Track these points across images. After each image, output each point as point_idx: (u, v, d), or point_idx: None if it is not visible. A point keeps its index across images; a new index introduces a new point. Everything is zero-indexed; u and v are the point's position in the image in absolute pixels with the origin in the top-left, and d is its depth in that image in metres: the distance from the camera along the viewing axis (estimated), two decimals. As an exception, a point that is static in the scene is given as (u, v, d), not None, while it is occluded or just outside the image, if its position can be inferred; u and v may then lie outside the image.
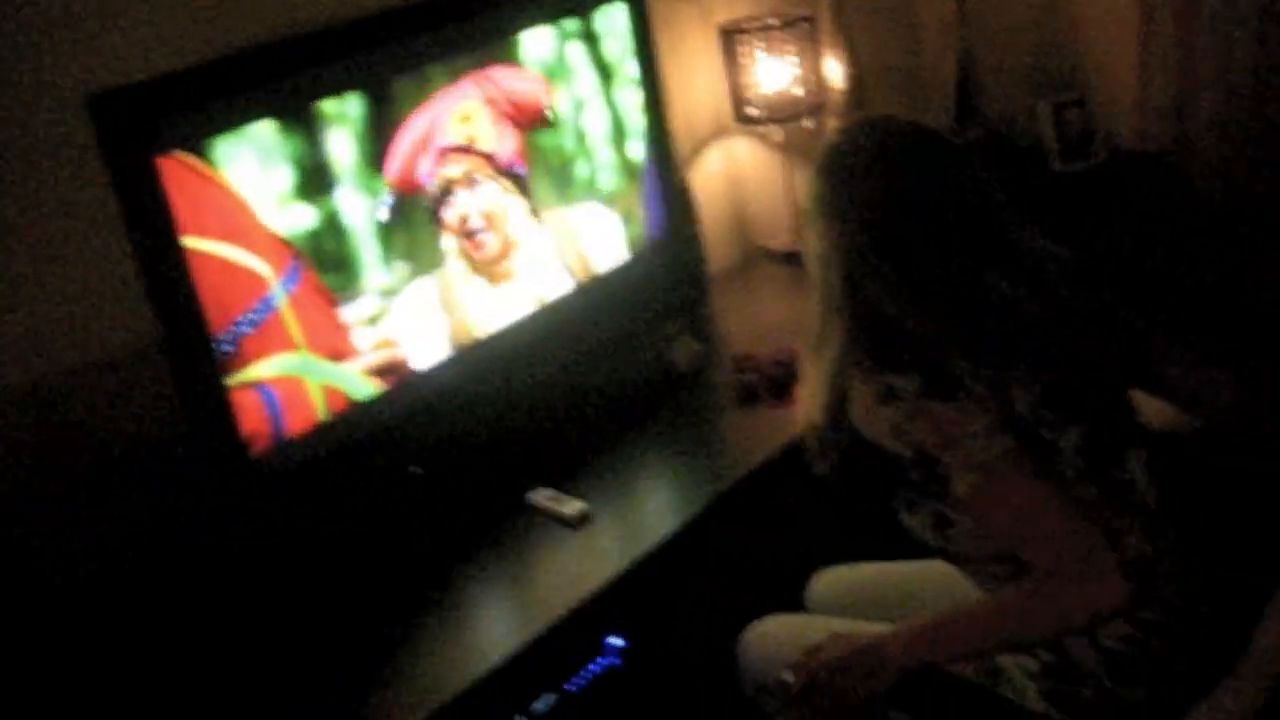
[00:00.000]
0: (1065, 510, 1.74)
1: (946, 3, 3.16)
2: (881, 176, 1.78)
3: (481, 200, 2.33)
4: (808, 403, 1.93)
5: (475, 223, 2.33)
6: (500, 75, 2.35)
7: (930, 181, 1.79)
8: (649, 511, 2.24)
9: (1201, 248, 2.89)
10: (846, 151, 1.83)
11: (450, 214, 2.29)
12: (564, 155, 2.49)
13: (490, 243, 2.36)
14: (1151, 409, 1.95)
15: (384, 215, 2.18)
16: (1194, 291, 2.81)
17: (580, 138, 2.51)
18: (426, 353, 2.30)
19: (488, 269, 2.37)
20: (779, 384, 2.47)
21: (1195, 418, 2.02)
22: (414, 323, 2.26)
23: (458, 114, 2.28)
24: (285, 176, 2.05)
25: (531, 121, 2.41)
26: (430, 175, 2.25)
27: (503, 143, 2.36)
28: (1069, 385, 1.77)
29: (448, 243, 2.30)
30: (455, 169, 2.29)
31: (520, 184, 2.40)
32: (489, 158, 2.34)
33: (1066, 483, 1.75)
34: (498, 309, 2.40)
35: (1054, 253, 1.88)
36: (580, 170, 2.53)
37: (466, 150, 2.30)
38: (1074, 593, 1.75)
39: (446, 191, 2.28)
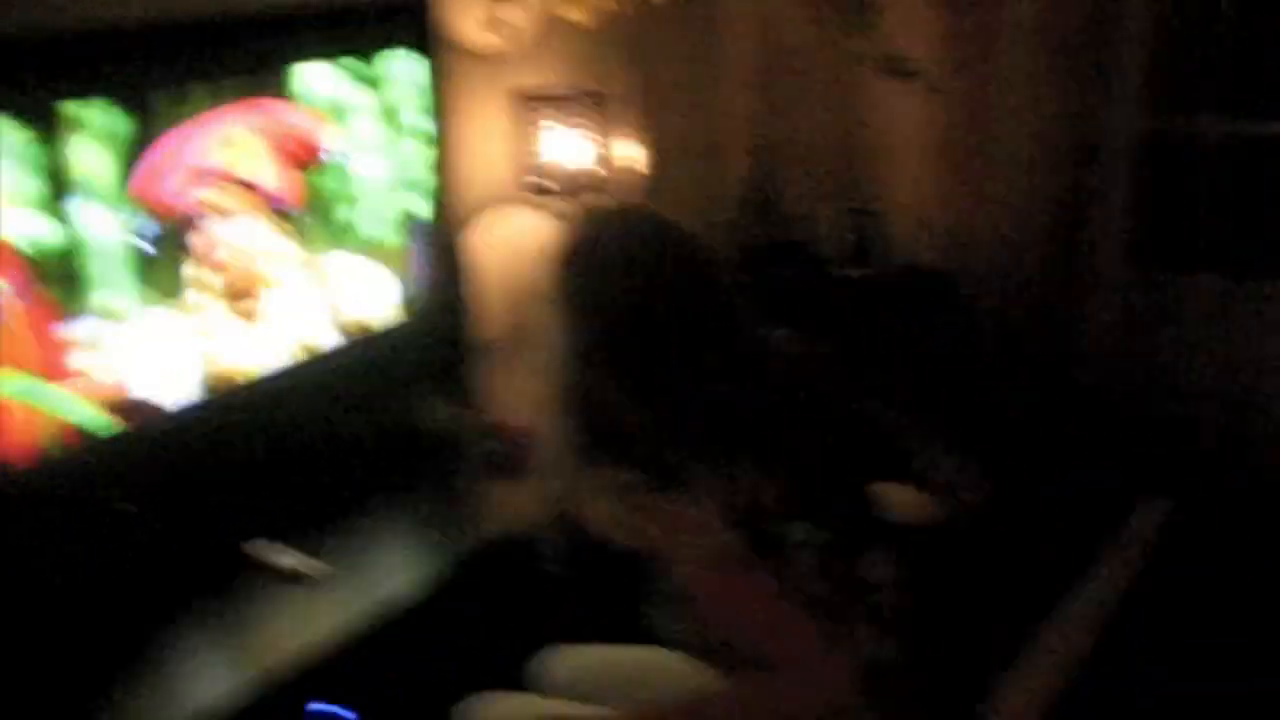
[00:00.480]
0: (788, 607, 1.70)
1: (745, 95, 3.18)
2: (620, 274, 1.77)
3: (232, 232, 2.22)
4: (540, 499, 1.91)
5: (219, 254, 2.21)
6: (276, 108, 2.25)
7: (666, 283, 1.78)
8: (379, 574, 2.14)
9: (961, 352, 2.94)
10: (588, 244, 1.83)
11: (197, 240, 2.17)
12: (337, 199, 2.40)
13: (231, 277, 2.24)
14: (898, 500, 1.95)
15: (126, 235, 2.05)
16: (946, 390, 2.86)
17: (356, 184, 2.43)
18: (161, 386, 2.16)
19: (232, 304, 2.25)
20: (528, 456, 2.41)
21: (941, 508, 2.03)
22: (149, 351, 2.13)
23: (221, 137, 2.18)
24: (18, 178, 1.91)
25: (307, 160, 2.32)
26: (179, 195, 2.13)
27: (270, 176, 2.26)
28: (801, 481, 1.76)
29: (189, 270, 2.18)
30: (209, 194, 2.17)
31: (289, 223, 2.30)
32: (249, 187, 2.23)
33: (795, 578, 1.72)
34: (247, 348, 2.28)
35: (796, 351, 1.88)
36: (352, 217, 2.44)
37: (224, 177, 2.19)
38: (798, 690, 1.70)
39: (196, 216, 2.16)
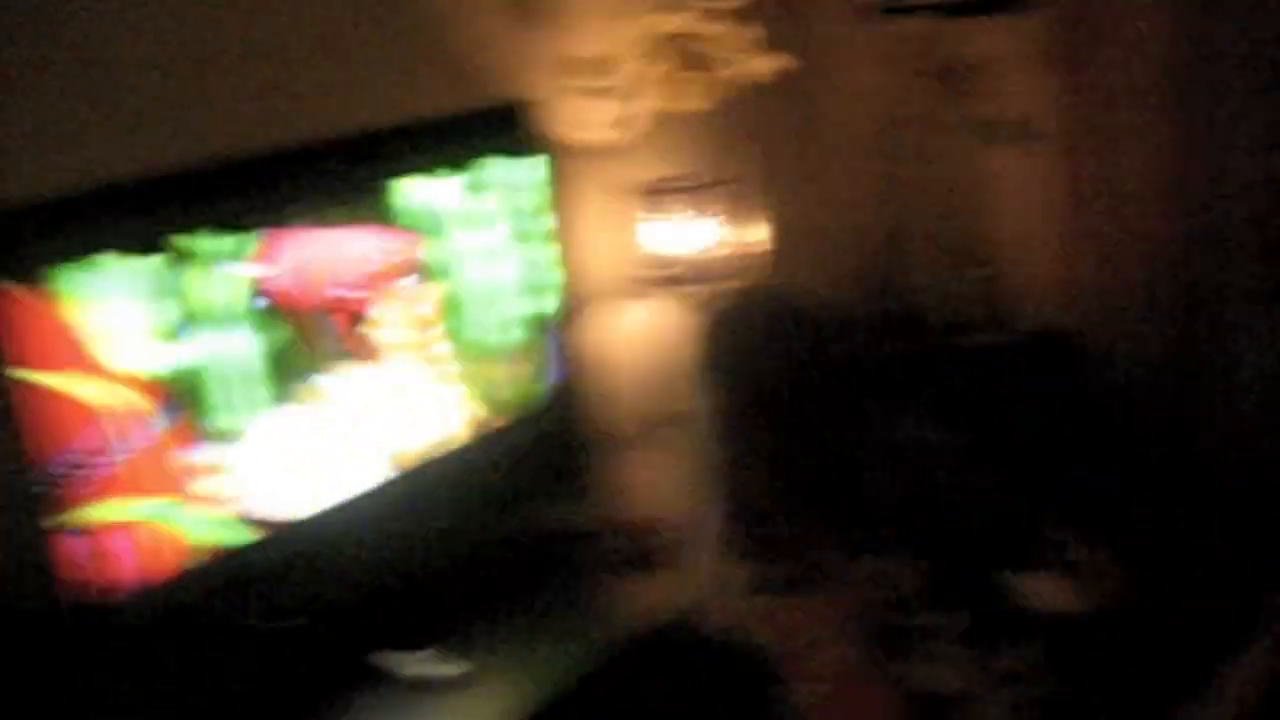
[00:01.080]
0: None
1: (863, 169, 3.15)
2: (761, 352, 1.85)
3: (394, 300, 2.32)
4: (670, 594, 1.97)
5: (388, 319, 2.31)
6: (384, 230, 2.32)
7: (809, 364, 1.79)
8: (526, 677, 2.15)
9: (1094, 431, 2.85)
10: (731, 327, 1.94)
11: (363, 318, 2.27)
12: (458, 308, 2.44)
13: (396, 334, 2.33)
14: (1037, 589, 1.89)
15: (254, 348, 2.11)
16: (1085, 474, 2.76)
17: (475, 290, 2.46)
18: (289, 497, 2.21)
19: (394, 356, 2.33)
20: (661, 552, 2.39)
21: (1081, 596, 1.97)
22: (276, 465, 2.17)
23: (341, 252, 2.25)
24: (146, 312, 1.97)
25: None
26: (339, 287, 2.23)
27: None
28: (940, 570, 1.72)
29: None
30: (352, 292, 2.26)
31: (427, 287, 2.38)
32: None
33: (931, 671, 1.68)
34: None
35: (933, 437, 1.86)
36: (476, 322, 2.48)
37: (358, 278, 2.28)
38: None
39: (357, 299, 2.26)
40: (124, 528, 1.97)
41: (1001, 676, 1.73)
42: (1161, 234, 2.93)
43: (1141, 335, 2.98)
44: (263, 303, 2.12)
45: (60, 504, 1.90)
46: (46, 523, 1.88)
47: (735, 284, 2.96)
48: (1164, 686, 1.86)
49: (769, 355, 1.87)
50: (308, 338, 2.19)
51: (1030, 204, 3.15)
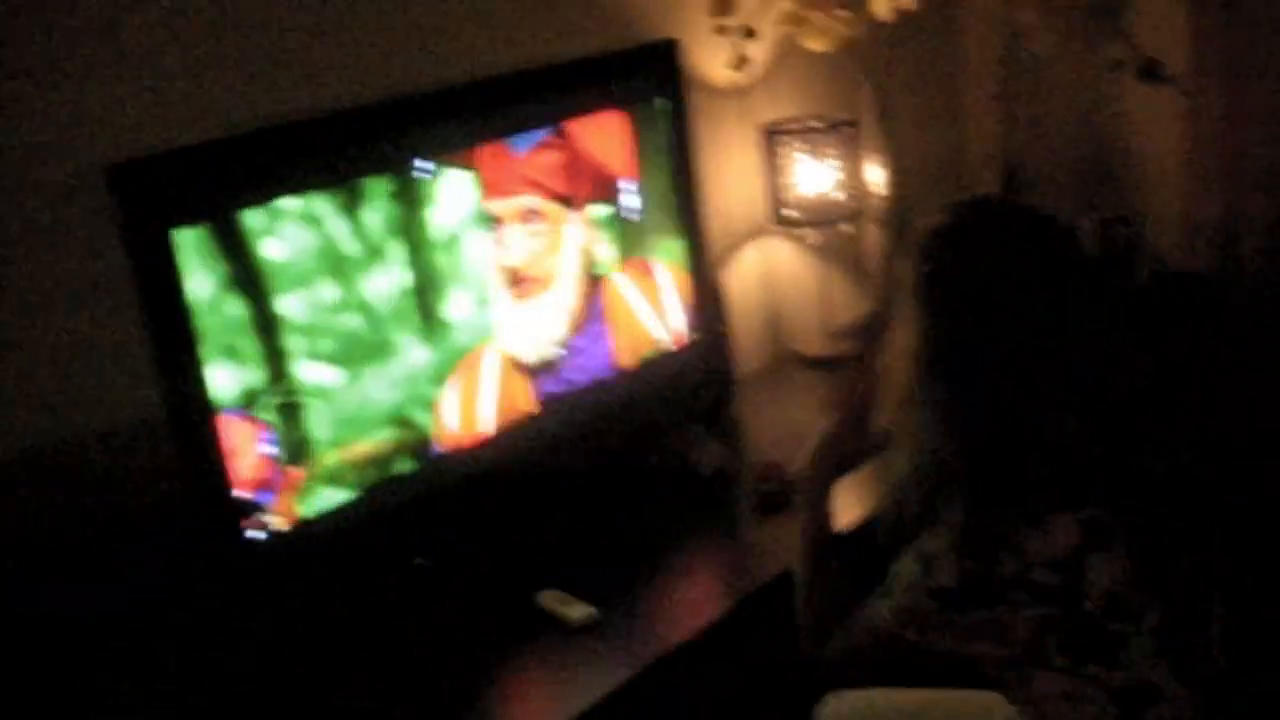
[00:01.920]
0: None
1: (991, 109, 3.12)
2: (995, 265, 1.63)
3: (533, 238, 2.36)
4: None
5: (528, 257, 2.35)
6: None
7: (1045, 277, 1.63)
8: (659, 619, 2.15)
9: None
10: (949, 230, 1.69)
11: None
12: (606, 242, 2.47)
13: (540, 267, 2.37)
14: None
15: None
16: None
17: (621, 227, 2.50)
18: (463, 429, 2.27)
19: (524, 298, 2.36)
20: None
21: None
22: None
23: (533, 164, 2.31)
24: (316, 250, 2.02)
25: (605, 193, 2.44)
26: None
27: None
28: (1147, 554, 1.62)
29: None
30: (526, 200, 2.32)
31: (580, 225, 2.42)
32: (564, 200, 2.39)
33: (1128, 673, 1.62)
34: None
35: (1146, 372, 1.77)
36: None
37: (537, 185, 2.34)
38: None
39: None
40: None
41: (1214, 674, 1.66)
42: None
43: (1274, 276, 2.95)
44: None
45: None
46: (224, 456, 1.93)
47: (852, 227, 2.97)
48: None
49: (1006, 260, 1.62)
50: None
51: (1167, 148, 3.10)
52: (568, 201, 2.37)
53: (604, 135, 2.43)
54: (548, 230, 2.35)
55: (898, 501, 1.73)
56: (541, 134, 2.32)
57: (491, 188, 2.25)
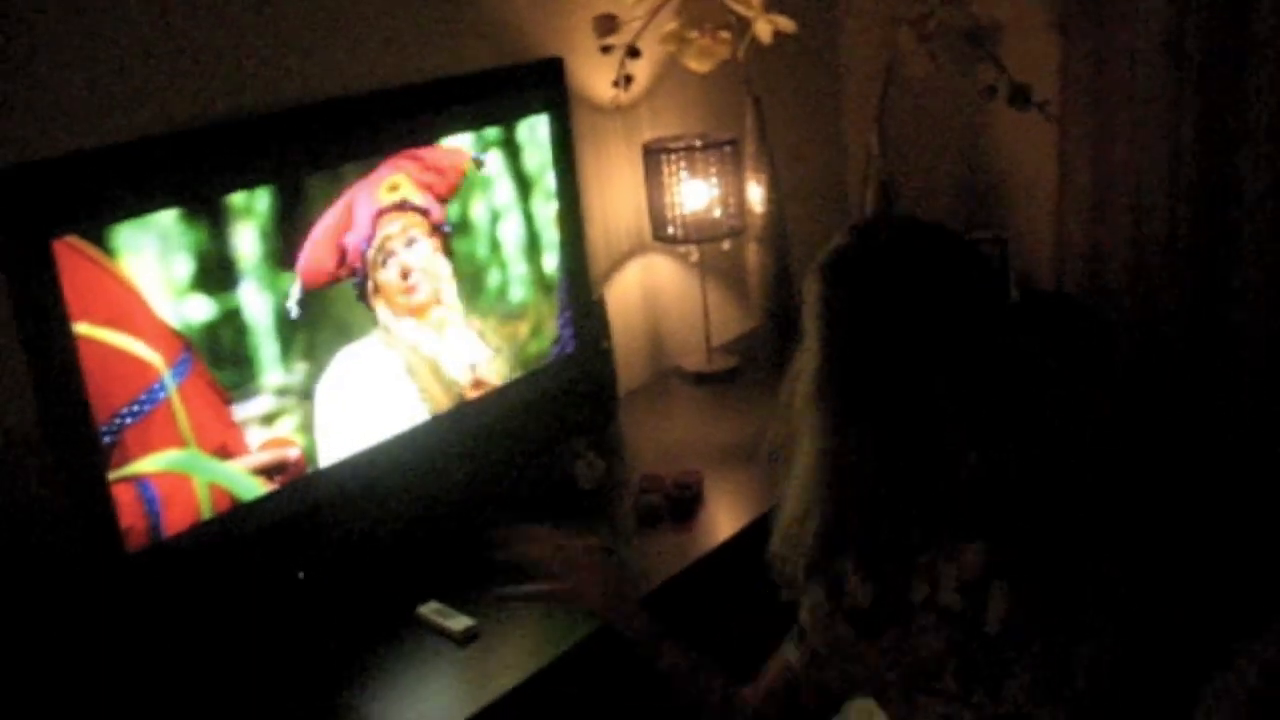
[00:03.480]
0: None
1: (869, 131, 3.19)
2: (909, 285, 1.59)
3: (417, 256, 2.35)
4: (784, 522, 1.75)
5: (414, 277, 2.34)
6: (420, 152, 2.35)
7: (959, 296, 1.59)
8: (539, 630, 2.17)
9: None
10: (853, 250, 1.65)
11: (387, 274, 2.30)
12: (477, 264, 2.46)
13: (423, 288, 2.37)
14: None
15: (294, 311, 2.14)
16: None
17: (495, 247, 2.49)
18: (334, 445, 2.26)
19: (421, 313, 2.37)
20: (682, 506, 2.44)
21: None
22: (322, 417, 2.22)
23: (384, 185, 2.28)
24: (184, 267, 1.99)
25: (452, 190, 2.40)
26: (366, 242, 2.25)
27: (429, 204, 2.36)
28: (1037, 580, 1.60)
29: (383, 311, 2.31)
30: (393, 226, 2.30)
31: (447, 244, 2.41)
32: (424, 213, 2.35)
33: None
34: (450, 351, 2.43)
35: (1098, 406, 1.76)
36: (492, 280, 2.50)
37: (401, 207, 2.31)
38: None
39: (384, 253, 2.29)
40: (173, 477, 2.01)
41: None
42: (1159, 205, 2.97)
43: (1153, 301, 3.04)
44: (304, 260, 2.15)
45: (117, 456, 1.93)
46: (108, 474, 1.92)
47: (731, 244, 3.01)
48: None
49: (921, 279, 1.56)
50: (337, 293, 2.23)
51: (1038, 172, 3.20)
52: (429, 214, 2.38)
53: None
54: (427, 245, 2.37)
55: (789, 545, 1.72)
56: (420, 151, 2.34)
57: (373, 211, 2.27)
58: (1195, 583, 2.16)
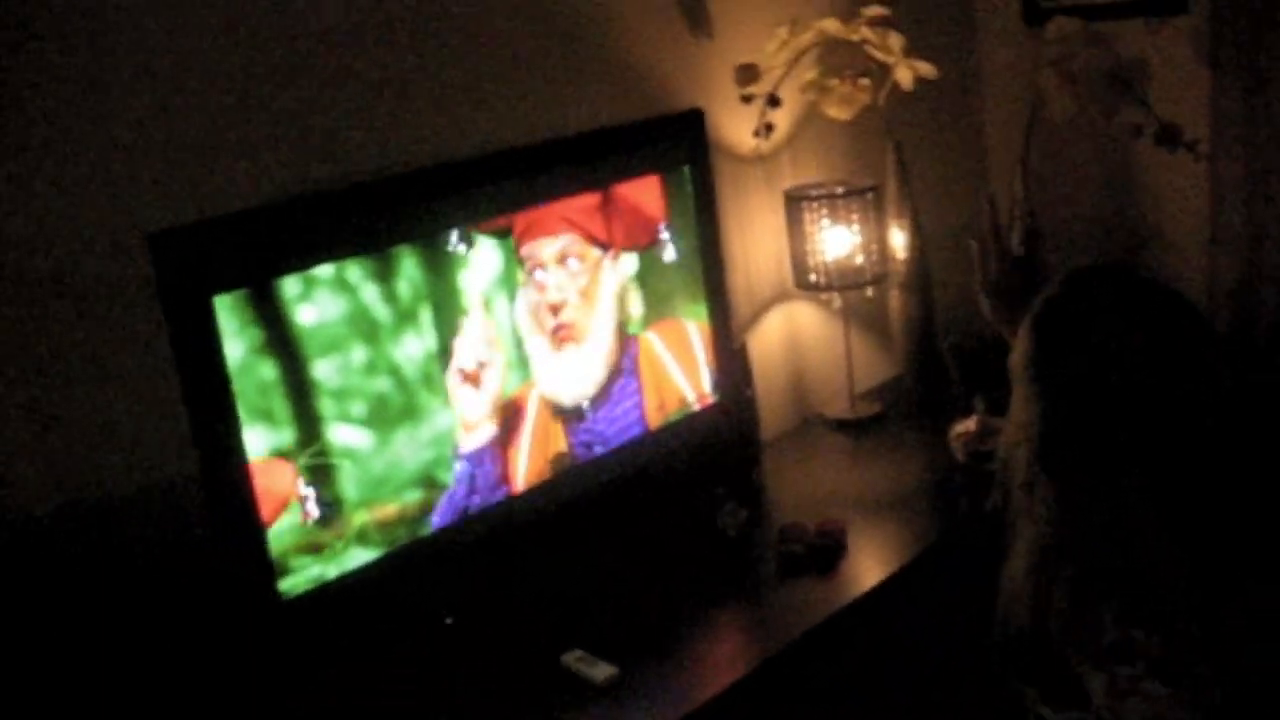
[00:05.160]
0: None
1: (1014, 175, 3.16)
2: (1125, 345, 1.52)
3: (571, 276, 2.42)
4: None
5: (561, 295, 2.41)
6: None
7: (1175, 359, 1.53)
8: (682, 679, 2.17)
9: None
10: (1062, 306, 1.60)
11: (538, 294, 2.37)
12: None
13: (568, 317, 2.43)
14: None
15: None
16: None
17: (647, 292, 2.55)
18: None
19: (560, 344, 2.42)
20: (824, 556, 2.42)
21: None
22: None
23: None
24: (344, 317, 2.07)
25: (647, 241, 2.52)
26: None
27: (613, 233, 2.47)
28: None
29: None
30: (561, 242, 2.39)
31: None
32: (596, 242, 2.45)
33: None
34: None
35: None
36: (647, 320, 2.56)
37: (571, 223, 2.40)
38: None
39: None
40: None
41: None
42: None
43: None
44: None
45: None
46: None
47: (874, 291, 3.01)
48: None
49: (1133, 340, 1.50)
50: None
51: (1186, 212, 3.14)
52: (604, 246, 2.43)
53: (638, 189, 2.50)
54: (585, 272, 2.41)
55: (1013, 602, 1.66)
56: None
57: (530, 230, 2.33)
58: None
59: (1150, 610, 1.52)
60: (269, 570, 2.00)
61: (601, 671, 2.13)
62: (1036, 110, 3.08)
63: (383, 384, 2.12)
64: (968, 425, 2.76)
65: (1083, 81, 2.95)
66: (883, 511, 2.61)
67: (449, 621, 2.27)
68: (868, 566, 2.42)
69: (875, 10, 2.81)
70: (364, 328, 2.09)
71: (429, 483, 2.21)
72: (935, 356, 3.07)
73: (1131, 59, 2.99)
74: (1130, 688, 1.55)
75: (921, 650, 1.91)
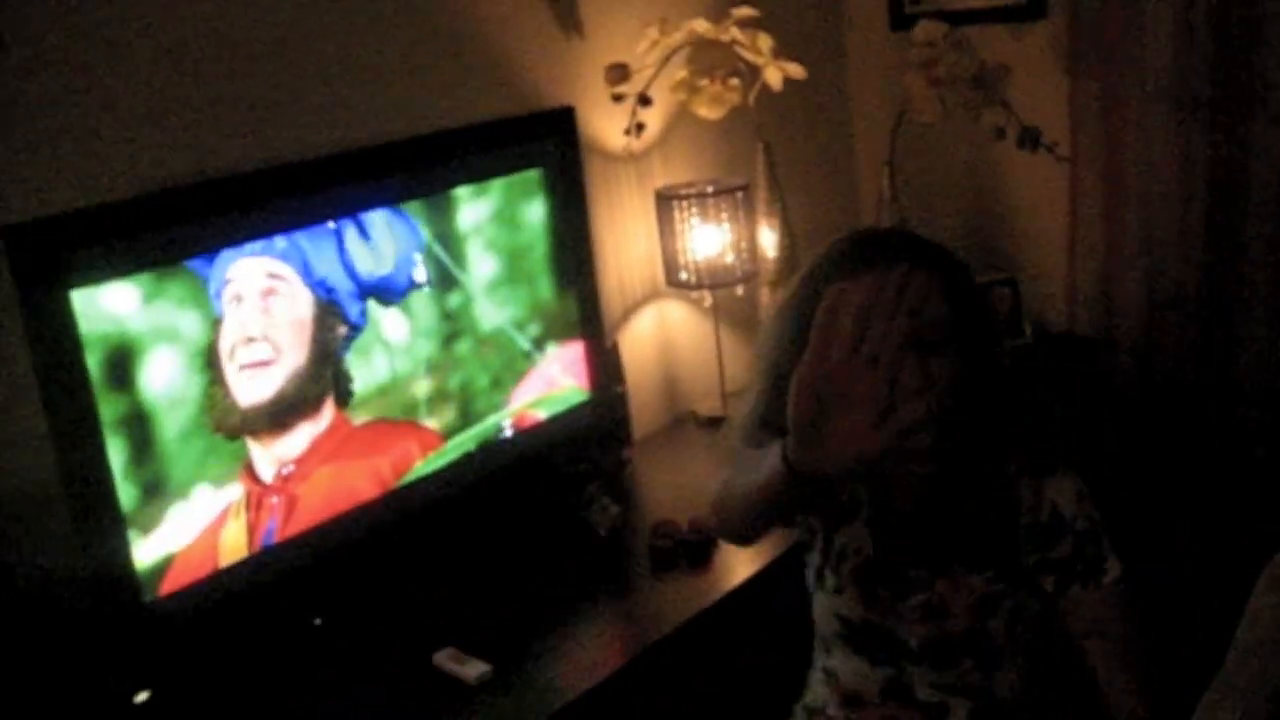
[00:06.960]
0: None
1: (881, 175, 3.21)
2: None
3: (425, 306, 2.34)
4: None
5: None
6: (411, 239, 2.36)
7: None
8: (555, 674, 2.17)
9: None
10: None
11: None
12: (483, 310, 2.49)
13: None
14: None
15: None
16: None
17: (507, 292, 2.52)
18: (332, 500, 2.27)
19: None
20: (696, 551, 2.44)
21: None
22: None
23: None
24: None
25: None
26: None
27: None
28: None
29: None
30: None
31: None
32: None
33: None
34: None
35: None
36: (506, 323, 2.52)
37: None
38: None
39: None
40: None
41: None
42: (1170, 239, 2.98)
43: (1166, 340, 3.06)
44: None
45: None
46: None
47: (744, 289, 3.03)
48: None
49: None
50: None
51: (1050, 211, 3.22)
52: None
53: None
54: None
55: None
56: (436, 200, 2.37)
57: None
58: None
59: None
60: (133, 576, 1.96)
61: (474, 670, 2.12)
62: (904, 112, 3.14)
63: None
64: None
65: (947, 84, 3.01)
66: (753, 507, 2.62)
67: (317, 623, 2.24)
68: (739, 560, 2.44)
69: (745, 11, 2.84)
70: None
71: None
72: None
73: (994, 64, 3.06)
74: None
75: (793, 641, 1.93)
